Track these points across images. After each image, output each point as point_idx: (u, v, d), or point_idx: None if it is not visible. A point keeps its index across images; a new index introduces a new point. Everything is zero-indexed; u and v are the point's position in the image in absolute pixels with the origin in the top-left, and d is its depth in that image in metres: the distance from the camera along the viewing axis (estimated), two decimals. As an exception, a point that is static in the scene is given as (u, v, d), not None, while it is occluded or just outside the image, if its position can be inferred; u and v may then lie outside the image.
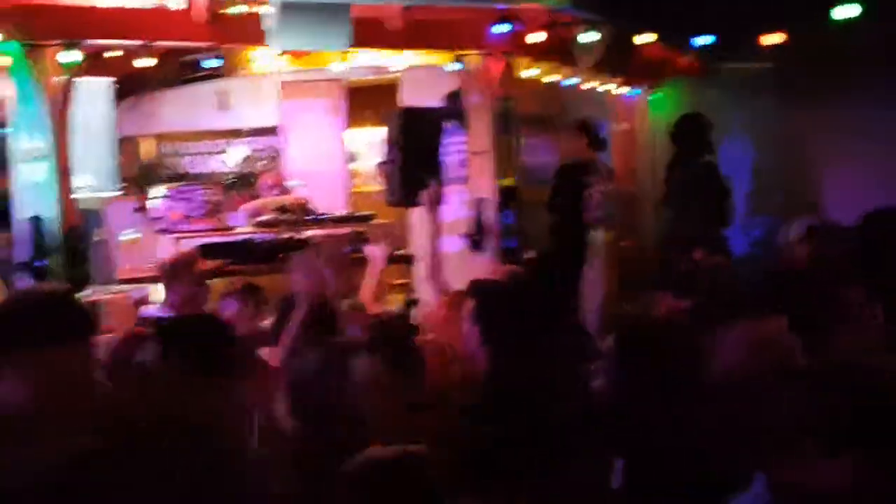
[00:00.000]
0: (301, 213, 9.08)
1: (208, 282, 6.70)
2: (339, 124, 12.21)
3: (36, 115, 7.49)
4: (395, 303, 8.11)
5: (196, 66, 12.06)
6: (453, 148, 10.41)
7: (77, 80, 7.70)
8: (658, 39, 9.10)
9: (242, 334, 4.85)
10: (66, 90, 7.59)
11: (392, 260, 7.28)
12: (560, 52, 9.58)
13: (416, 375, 3.83)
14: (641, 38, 8.95)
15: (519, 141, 10.02)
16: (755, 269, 8.69)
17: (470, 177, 10.21)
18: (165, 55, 10.93)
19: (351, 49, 8.01)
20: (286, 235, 8.84)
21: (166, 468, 3.23)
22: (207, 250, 8.36)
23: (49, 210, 7.57)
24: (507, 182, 9.68)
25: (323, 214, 9.34)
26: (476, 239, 9.52)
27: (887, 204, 7.24)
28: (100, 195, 10.11)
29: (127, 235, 9.32)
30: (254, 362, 4.72)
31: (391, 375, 3.72)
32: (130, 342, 4.32)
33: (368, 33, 8.23)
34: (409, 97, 11.06)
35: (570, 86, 10.49)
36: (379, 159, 12.01)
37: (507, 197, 9.65)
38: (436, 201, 6.56)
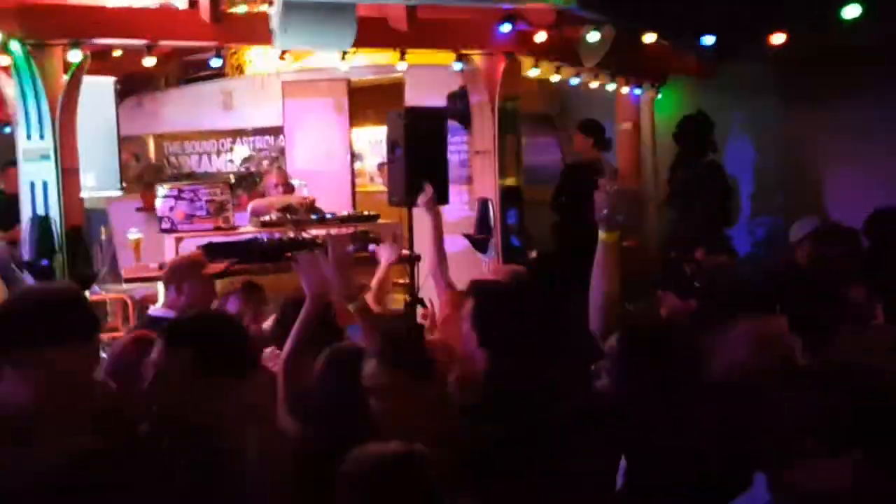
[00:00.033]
0: (306, 213, 9.07)
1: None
2: (343, 123, 12.21)
3: (40, 114, 7.49)
4: (398, 302, 8.11)
5: (199, 65, 12.11)
6: (456, 147, 10.43)
7: (81, 79, 7.69)
8: (662, 39, 9.08)
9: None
10: (70, 89, 7.59)
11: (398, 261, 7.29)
12: (564, 51, 9.58)
13: (431, 381, 3.81)
14: (645, 38, 8.93)
15: (522, 140, 10.01)
16: (757, 269, 8.67)
17: (473, 176, 10.22)
18: (169, 55, 10.97)
19: (354, 49, 7.99)
20: (291, 235, 8.84)
21: (170, 469, 3.25)
22: (212, 250, 8.36)
23: (53, 209, 7.57)
24: (510, 182, 9.67)
25: (328, 214, 9.33)
26: (479, 239, 9.52)
27: (889, 204, 7.25)
28: (103, 195, 10.13)
29: (132, 235, 9.33)
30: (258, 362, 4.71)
31: (404, 381, 3.70)
32: (137, 344, 4.32)
33: (372, 33, 8.23)
34: (413, 96, 11.07)
35: (574, 85, 10.48)
36: (381, 159, 12.05)
37: (510, 197, 9.64)
38: (432, 202, 6.56)
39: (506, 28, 8.76)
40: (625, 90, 11.47)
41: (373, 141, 13.66)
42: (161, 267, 8.29)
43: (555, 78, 10.15)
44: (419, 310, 7.20)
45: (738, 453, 3.02)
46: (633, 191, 11.70)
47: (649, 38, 8.76)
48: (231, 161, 12.92)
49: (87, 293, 7.37)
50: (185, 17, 8.10)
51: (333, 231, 8.86)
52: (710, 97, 11.44)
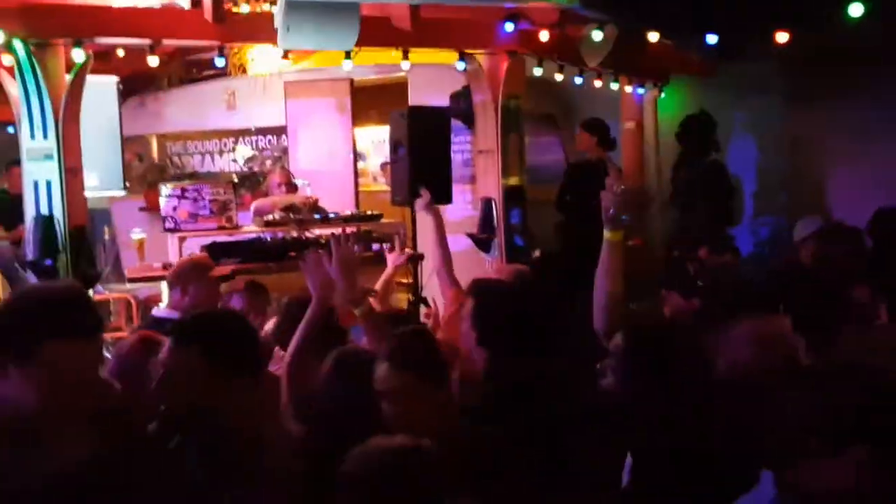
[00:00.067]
0: (309, 212, 9.07)
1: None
2: (346, 123, 12.21)
3: (43, 114, 7.50)
4: (401, 302, 8.12)
5: (202, 65, 12.13)
6: (459, 147, 10.43)
7: (84, 78, 7.70)
8: (665, 38, 9.07)
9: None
10: (73, 89, 7.60)
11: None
12: (567, 50, 9.57)
13: (442, 383, 3.81)
14: (648, 38, 8.92)
15: (525, 140, 10.01)
16: (761, 269, 8.67)
17: (476, 176, 10.21)
18: (172, 55, 10.98)
19: (356, 49, 7.98)
20: (295, 234, 8.85)
21: (179, 468, 3.25)
22: (216, 249, 8.36)
23: (56, 209, 7.57)
24: (514, 181, 9.67)
25: (331, 214, 9.33)
26: (482, 238, 9.52)
27: (892, 204, 7.24)
28: (106, 194, 10.14)
29: (135, 235, 9.33)
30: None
31: (416, 384, 3.70)
32: (143, 344, 4.32)
33: (375, 32, 8.23)
34: (416, 96, 11.07)
35: (577, 85, 10.48)
36: (384, 159, 12.05)
37: (514, 196, 9.64)
38: (429, 205, 6.57)
39: (509, 27, 8.77)
40: (628, 89, 11.47)
41: (376, 140, 13.66)
42: (165, 266, 8.30)
43: (558, 77, 10.14)
44: (422, 309, 7.20)
45: (742, 452, 3.02)
46: (639, 190, 11.69)
47: (652, 37, 8.75)
48: (234, 161, 12.93)
49: (90, 293, 7.36)
50: (189, 17, 8.11)
51: (337, 231, 8.87)
52: (713, 96, 11.45)
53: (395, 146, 8.14)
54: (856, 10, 6.92)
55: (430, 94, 10.54)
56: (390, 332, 4.66)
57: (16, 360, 2.92)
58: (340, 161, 12.18)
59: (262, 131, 12.79)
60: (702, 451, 3.35)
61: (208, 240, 8.78)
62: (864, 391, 2.50)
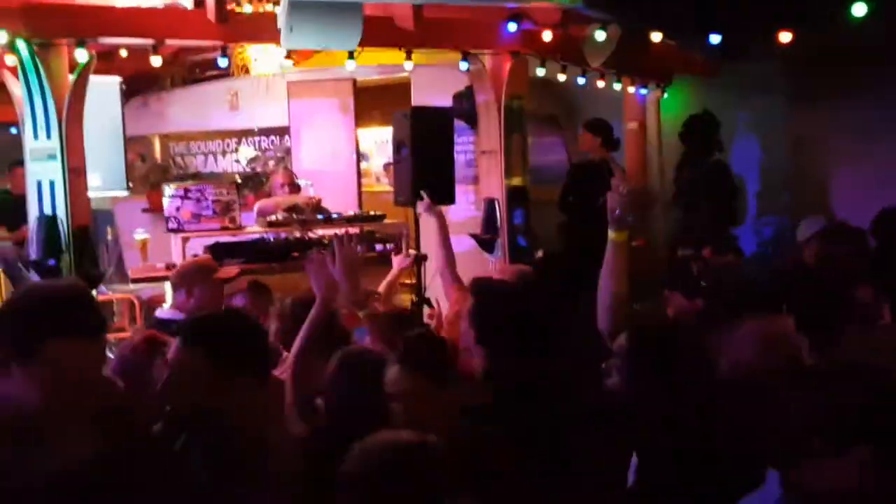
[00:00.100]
0: (312, 213, 9.07)
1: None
2: (349, 124, 12.20)
3: (46, 114, 7.50)
4: (404, 302, 8.12)
5: (205, 65, 12.13)
6: (462, 147, 10.43)
7: (87, 78, 7.70)
8: (668, 38, 9.07)
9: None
10: (77, 89, 7.60)
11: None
12: (570, 50, 9.57)
13: (452, 385, 3.81)
14: (651, 38, 8.92)
15: (528, 140, 10.01)
16: (764, 269, 8.66)
17: (479, 176, 10.22)
18: (174, 55, 10.98)
19: (360, 49, 7.99)
20: (298, 235, 8.85)
21: (184, 468, 3.25)
22: (219, 249, 8.36)
23: (60, 209, 7.58)
24: (517, 181, 9.67)
25: (334, 214, 9.33)
26: (485, 239, 9.52)
27: (895, 204, 7.23)
28: (109, 194, 10.14)
29: (138, 235, 9.33)
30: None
31: (426, 386, 3.69)
32: (147, 344, 4.32)
33: (378, 32, 8.23)
34: (419, 96, 11.07)
35: (580, 85, 10.47)
36: (387, 159, 12.05)
37: (517, 196, 9.64)
38: (431, 207, 6.57)
39: (512, 27, 8.77)
40: (631, 90, 11.46)
41: (379, 141, 13.67)
42: (168, 267, 8.30)
43: (561, 77, 10.14)
44: (426, 310, 7.20)
45: (746, 452, 3.01)
46: (642, 191, 11.69)
47: (656, 37, 8.74)
48: (237, 161, 12.93)
49: (93, 292, 7.36)
50: (192, 17, 8.12)
51: (340, 231, 8.86)
52: (716, 96, 11.44)
53: (398, 146, 8.13)
54: (859, 10, 6.92)
55: (433, 94, 10.54)
56: (395, 332, 4.66)
57: (19, 359, 2.92)
58: (343, 161, 12.17)
59: (265, 132, 12.79)
60: (706, 451, 3.34)
61: (211, 240, 8.78)
62: (867, 391, 2.50)
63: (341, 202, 10.49)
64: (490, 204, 9.61)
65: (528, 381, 4.17)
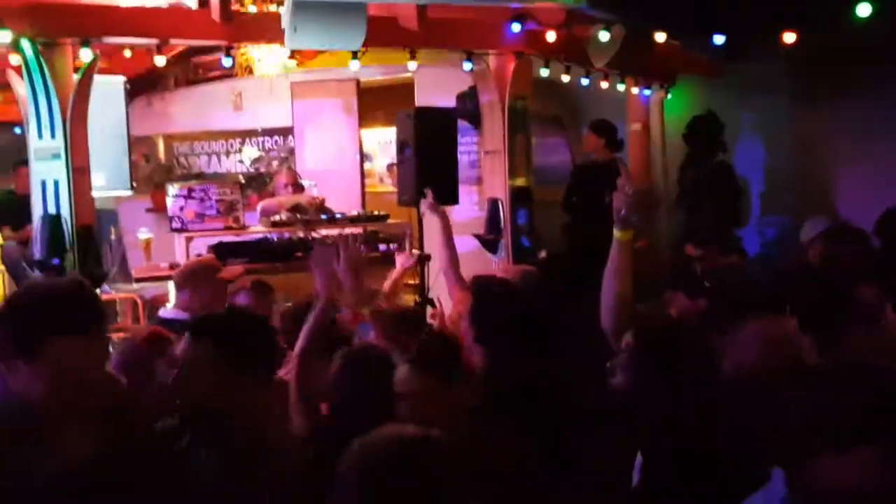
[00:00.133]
0: (316, 213, 9.08)
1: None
2: (353, 124, 12.21)
3: (51, 113, 7.51)
4: (407, 302, 8.12)
5: (209, 66, 12.14)
6: (466, 148, 10.43)
7: (91, 78, 7.71)
8: (672, 39, 9.07)
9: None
10: (81, 88, 7.61)
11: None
12: (574, 51, 9.57)
13: (462, 386, 3.80)
14: (655, 38, 8.91)
15: (532, 141, 10.02)
16: (768, 269, 8.65)
17: (483, 177, 10.22)
18: (178, 55, 10.99)
19: (363, 50, 8.00)
20: (301, 235, 8.86)
21: (191, 466, 3.25)
22: (222, 249, 8.37)
23: (64, 208, 7.58)
24: (521, 182, 9.67)
25: (338, 214, 9.34)
26: (489, 239, 9.52)
27: (899, 204, 7.22)
28: (113, 194, 10.15)
29: (142, 235, 9.34)
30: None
31: (436, 385, 3.69)
32: (150, 343, 4.32)
33: (383, 32, 8.24)
34: (422, 97, 11.08)
35: (583, 86, 10.47)
36: (390, 160, 12.06)
37: (521, 197, 9.64)
38: (434, 206, 6.56)
39: (516, 27, 8.76)
40: (634, 91, 11.46)
41: (382, 141, 13.69)
42: (171, 266, 8.31)
43: (565, 78, 10.14)
44: (428, 310, 7.20)
45: (750, 452, 3.01)
46: (647, 191, 11.68)
47: (660, 37, 8.74)
48: (241, 161, 12.94)
49: (97, 291, 7.37)
50: (196, 17, 8.13)
51: (344, 231, 8.87)
52: (720, 97, 11.44)
53: (401, 147, 8.13)
54: (863, 10, 6.91)
55: (436, 94, 10.55)
56: (399, 331, 4.66)
57: (20, 357, 2.91)
58: (347, 162, 12.19)
59: (269, 132, 12.80)
60: (710, 450, 3.34)
61: (215, 240, 8.79)
62: (870, 390, 2.50)
63: (345, 202, 10.51)
64: (494, 204, 9.61)
65: (528, 381, 4.17)
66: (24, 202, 8.49)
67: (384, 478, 2.55)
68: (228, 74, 11.91)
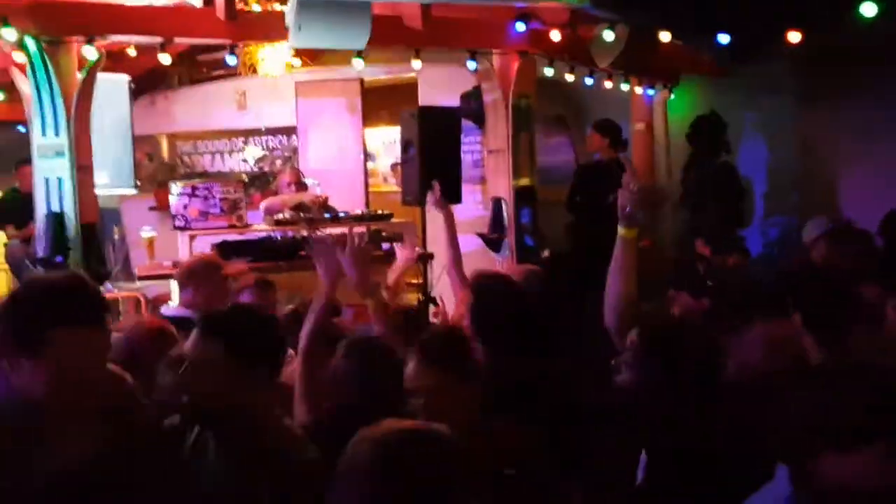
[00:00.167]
0: (319, 211, 9.09)
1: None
2: (356, 123, 12.21)
3: (55, 111, 7.52)
4: (411, 302, 8.11)
5: (213, 65, 12.14)
6: (469, 147, 10.43)
7: (95, 76, 7.72)
8: (675, 39, 9.07)
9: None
10: (85, 86, 7.61)
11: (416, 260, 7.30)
12: (578, 51, 9.57)
13: (472, 381, 3.79)
14: (659, 38, 8.91)
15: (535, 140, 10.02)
16: (771, 270, 8.65)
17: (486, 176, 10.23)
18: (182, 54, 10.99)
19: (369, 48, 8.00)
20: (305, 233, 8.86)
21: (199, 461, 3.25)
22: (226, 248, 8.37)
23: (67, 206, 7.59)
24: (524, 181, 9.68)
25: (341, 213, 9.34)
26: (493, 238, 9.52)
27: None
28: (117, 192, 10.15)
29: (145, 233, 9.34)
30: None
31: (447, 381, 3.68)
32: (155, 340, 4.32)
33: (387, 31, 8.24)
34: (426, 96, 11.08)
35: (587, 86, 10.47)
36: (394, 159, 12.05)
37: (524, 196, 9.64)
38: (441, 200, 6.55)
39: (520, 27, 8.77)
40: (638, 90, 11.46)
41: (386, 141, 13.69)
42: (175, 265, 8.31)
43: (569, 78, 10.14)
44: (431, 308, 7.21)
45: (754, 451, 3.01)
46: (653, 188, 11.67)
47: (664, 37, 8.74)
48: (244, 160, 12.95)
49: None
50: (200, 15, 8.15)
51: (347, 230, 8.87)
52: (724, 97, 11.43)
53: (405, 146, 8.14)
54: (869, 10, 6.91)
55: (440, 94, 10.55)
56: (404, 329, 4.65)
57: (22, 351, 2.91)
58: (351, 161, 12.19)
59: (273, 131, 12.81)
60: (714, 450, 3.34)
61: (218, 238, 8.79)
62: (872, 390, 2.50)
63: (348, 202, 10.51)
64: (497, 203, 9.61)
65: (528, 380, 4.17)
66: (27, 201, 8.50)
67: (384, 474, 2.53)
68: (232, 73, 11.93)
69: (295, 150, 12.52)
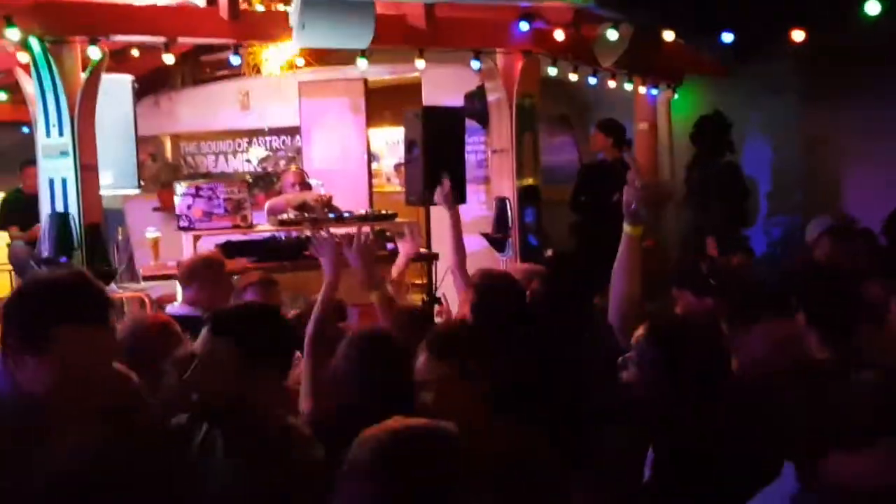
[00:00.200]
0: (323, 210, 9.08)
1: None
2: (360, 124, 12.20)
3: (59, 111, 7.53)
4: (416, 301, 8.12)
5: (216, 65, 12.15)
6: (473, 147, 10.43)
7: (99, 76, 7.72)
8: (679, 38, 9.07)
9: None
10: (89, 86, 7.62)
11: (417, 258, 7.29)
12: (581, 50, 9.57)
13: (482, 375, 3.79)
14: (663, 37, 8.91)
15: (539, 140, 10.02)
16: (774, 269, 8.65)
17: (490, 176, 10.23)
18: (186, 54, 10.99)
19: (372, 47, 8.01)
20: (309, 233, 8.85)
21: (208, 460, 3.26)
22: (230, 248, 8.37)
23: (72, 206, 7.60)
24: (528, 181, 9.68)
25: (345, 213, 9.34)
26: (497, 238, 9.52)
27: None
28: (121, 192, 10.16)
29: (149, 234, 9.34)
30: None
31: (458, 374, 3.68)
32: (161, 337, 4.32)
33: (390, 31, 8.25)
34: (430, 96, 11.08)
35: (591, 85, 10.48)
36: (398, 159, 12.05)
37: (528, 195, 9.64)
38: (449, 197, 6.54)
39: (524, 26, 8.77)
40: (641, 90, 11.46)
41: (390, 141, 13.68)
42: (179, 265, 8.32)
43: (572, 77, 10.14)
44: (435, 307, 7.21)
45: (759, 450, 3.01)
46: (657, 186, 11.66)
47: (668, 36, 8.74)
48: (248, 161, 12.95)
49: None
50: (204, 15, 8.15)
51: (351, 230, 8.87)
52: (728, 97, 11.43)
53: (409, 146, 8.14)
54: (872, 9, 6.91)
55: (444, 93, 10.55)
56: (410, 328, 4.65)
57: (27, 348, 2.90)
58: (354, 161, 12.17)
59: (276, 131, 12.80)
60: (718, 449, 3.34)
61: (223, 238, 8.79)
62: (878, 390, 2.50)
63: (352, 202, 10.49)
64: (501, 203, 9.61)
65: (528, 380, 4.17)
66: (31, 202, 8.51)
67: (393, 474, 2.53)
68: (236, 74, 11.93)
69: (298, 151, 12.50)
